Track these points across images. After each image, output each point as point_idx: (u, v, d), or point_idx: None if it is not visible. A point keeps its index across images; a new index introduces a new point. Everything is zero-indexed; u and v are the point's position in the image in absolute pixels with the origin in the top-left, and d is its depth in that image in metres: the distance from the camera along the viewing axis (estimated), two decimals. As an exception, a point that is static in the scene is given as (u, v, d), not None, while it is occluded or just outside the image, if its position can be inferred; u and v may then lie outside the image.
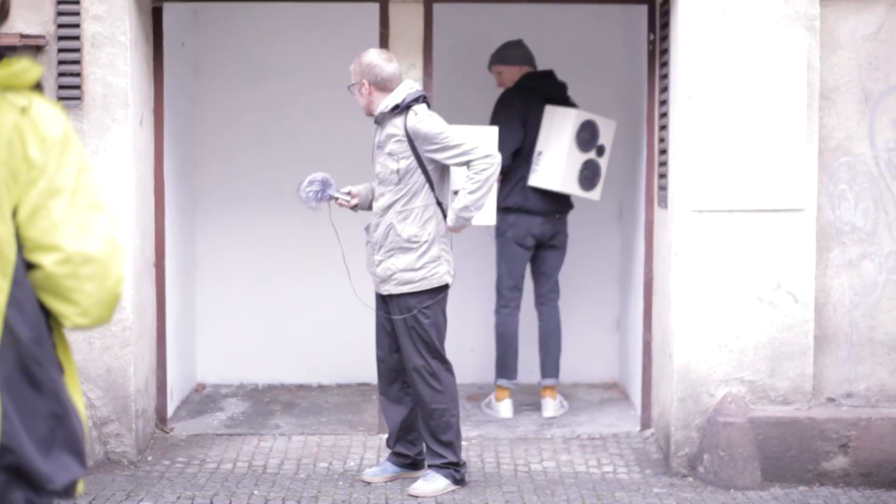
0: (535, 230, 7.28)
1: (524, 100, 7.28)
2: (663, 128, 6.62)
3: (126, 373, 6.25)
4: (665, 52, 6.56)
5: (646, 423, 6.89)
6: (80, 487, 2.39)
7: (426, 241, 5.73)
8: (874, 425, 6.17)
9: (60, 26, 6.14)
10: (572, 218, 7.81)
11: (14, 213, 2.26)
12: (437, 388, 5.83)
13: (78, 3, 6.13)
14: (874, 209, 6.34)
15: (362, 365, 7.87)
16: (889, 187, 6.34)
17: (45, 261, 2.27)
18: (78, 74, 6.14)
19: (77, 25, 6.14)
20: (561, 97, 7.37)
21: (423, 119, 5.69)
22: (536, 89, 7.32)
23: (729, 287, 6.22)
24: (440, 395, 5.84)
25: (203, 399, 7.67)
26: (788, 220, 6.22)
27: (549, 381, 7.35)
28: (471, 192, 5.65)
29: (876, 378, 6.36)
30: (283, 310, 8.13)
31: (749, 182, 6.19)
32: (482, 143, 5.74)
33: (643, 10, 6.98)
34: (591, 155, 7.25)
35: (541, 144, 7.24)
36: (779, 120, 6.17)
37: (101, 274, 2.31)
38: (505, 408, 7.31)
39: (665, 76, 6.56)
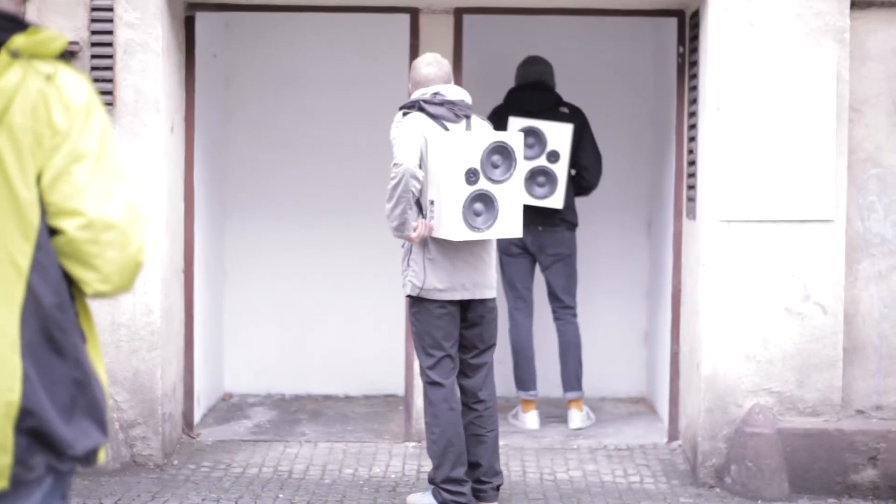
0: (514, 240, 7.19)
1: (499, 117, 7.22)
2: (692, 139, 6.62)
3: (153, 376, 6.27)
4: (694, 64, 6.56)
5: (673, 435, 6.85)
6: (102, 455, 2.41)
7: (406, 249, 5.60)
8: (904, 438, 6.12)
9: (94, 33, 6.20)
10: (600, 231, 7.81)
11: (38, 179, 2.29)
12: (427, 397, 5.64)
13: (111, 10, 6.20)
14: (904, 222, 6.30)
15: (390, 376, 7.88)
16: (919, 199, 6.30)
17: (68, 225, 2.29)
18: (110, 80, 6.20)
19: (110, 32, 6.20)
20: (542, 107, 7.26)
21: (393, 125, 5.56)
22: (513, 104, 7.31)
23: (757, 298, 6.19)
24: (427, 405, 5.64)
25: (230, 407, 7.69)
26: (817, 231, 6.19)
27: (571, 395, 7.30)
28: (386, 202, 5.39)
29: (906, 391, 6.31)
30: (311, 319, 8.14)
31: (778, 193, 6.16)
32: (404, 153, 5.35)
33: (672, 23, 6.98)
34: (541, 162, 7.12)
35: None
36: (808, 131, 6.15)
37: (123, 241, 2.33)
38: (531, 419, 7.28)
39: (694, 88, 6.56)
